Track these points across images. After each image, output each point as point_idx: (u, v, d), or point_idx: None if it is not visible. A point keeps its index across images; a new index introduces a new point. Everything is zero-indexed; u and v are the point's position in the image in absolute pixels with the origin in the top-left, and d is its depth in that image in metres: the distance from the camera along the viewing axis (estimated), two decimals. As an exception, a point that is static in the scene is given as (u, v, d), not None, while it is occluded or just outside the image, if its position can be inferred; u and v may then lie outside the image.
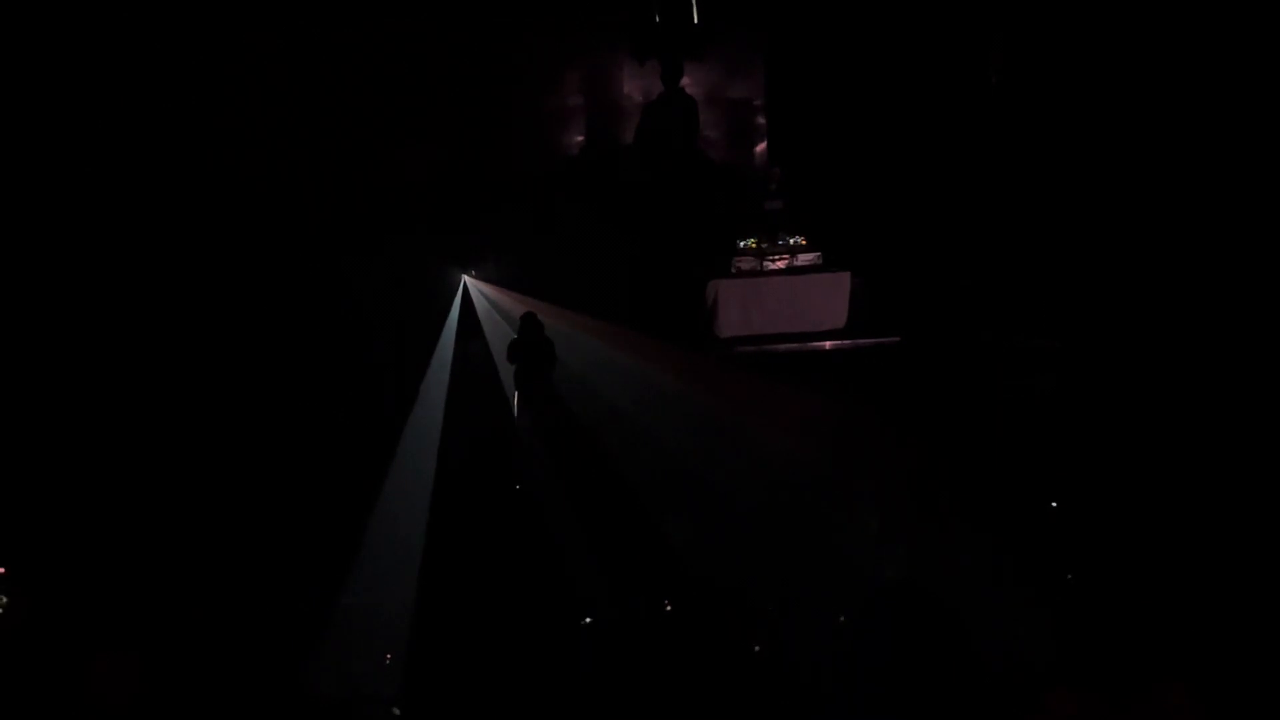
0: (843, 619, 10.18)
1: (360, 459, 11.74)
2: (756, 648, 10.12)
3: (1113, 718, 5.64)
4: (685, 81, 13.95)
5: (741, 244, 13.21)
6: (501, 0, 13.31)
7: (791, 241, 13.15)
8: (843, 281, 12.97)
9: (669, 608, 10.98)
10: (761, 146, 14.10)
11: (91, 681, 7.24)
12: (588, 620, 10.81)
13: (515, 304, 12.85)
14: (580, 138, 14.01)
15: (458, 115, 13.17)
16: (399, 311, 12.45)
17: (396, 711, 9.39)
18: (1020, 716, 6.10)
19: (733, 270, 13.16)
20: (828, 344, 12.85)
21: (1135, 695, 5.51)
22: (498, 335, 12.77)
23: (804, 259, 13.15)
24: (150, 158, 12.08)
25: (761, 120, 14.11)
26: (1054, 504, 10.92)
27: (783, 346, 12.88)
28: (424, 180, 13.07)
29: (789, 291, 13.06)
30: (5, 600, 9.50)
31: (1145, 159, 11.74)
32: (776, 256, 13.16)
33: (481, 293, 13.01)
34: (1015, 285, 12.20)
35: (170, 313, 12.00)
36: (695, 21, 13.66)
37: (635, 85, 13.98)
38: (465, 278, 13.04)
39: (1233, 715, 5.76)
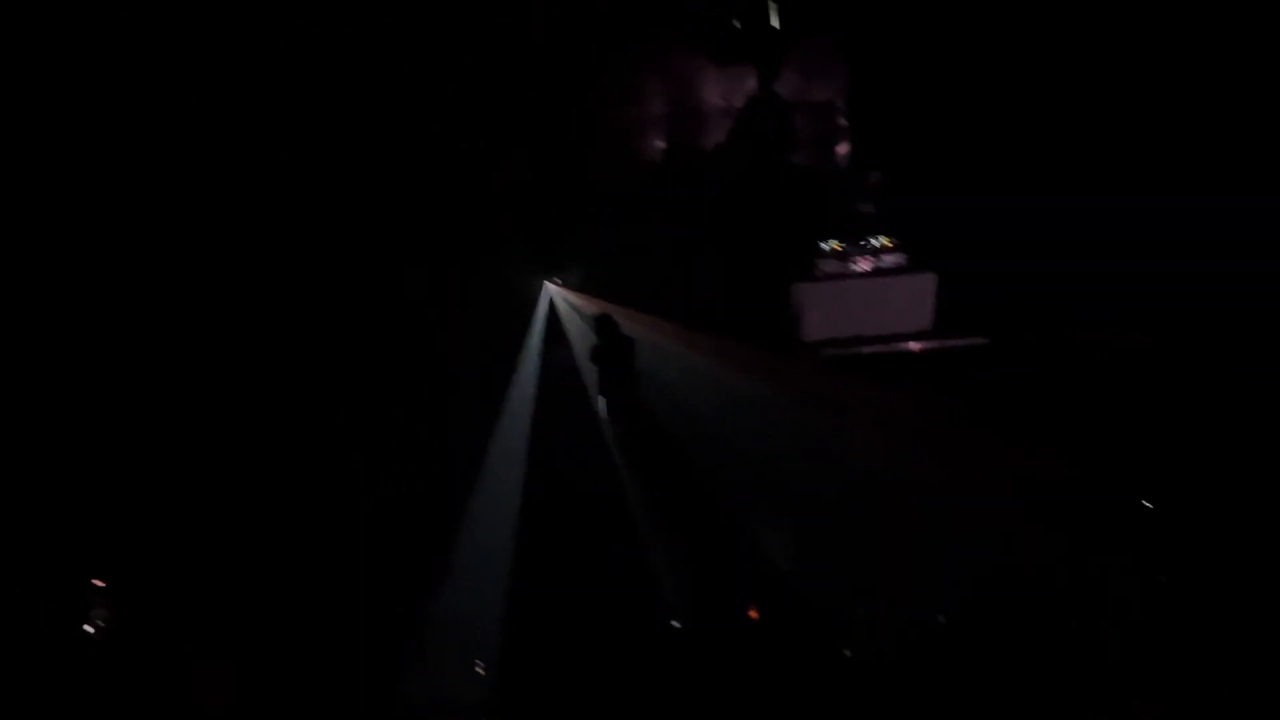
0: (941, 619, 10.15)
1: (449, 469, 11.84)
2: (847, 652, 10.08)
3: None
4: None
5: (825, 246, 13.14)
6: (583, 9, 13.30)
7: (875, 243, 13.06)
8: (928, 282, 12.85)
9: (755, 615, 10.96)
10: (844, 148, 13.99)
11: (190, 689, 7.41)
12: (675, 625, 10.83)
13: (599, 310, 12.86)
14: (662, 144, 13.98)
15: (542, 126, 13.17)
16: (483, 321, 12.50)
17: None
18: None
19: (816, 273, 13.10)
20: (914, 345, 12.73)
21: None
22: (582, 342, 12.79)
23: (889, 260, 13.06)
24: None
25: (844, 122, 13.99)
26: (1147, 504, 10.76)
27: (868, 349, 12.79)
28: (507, 190, 13.10)
29: (874, 294, 12.96)
30: (105, 613, 9.72)
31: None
32: (860, 258, 13.08)
33: (565, 300, 13.02)
34: (1104, 282, 12.01)
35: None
36: (775, 25, 13.58)
37: (716, 90, 13.91)
38: (548, 284, 13.05)
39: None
